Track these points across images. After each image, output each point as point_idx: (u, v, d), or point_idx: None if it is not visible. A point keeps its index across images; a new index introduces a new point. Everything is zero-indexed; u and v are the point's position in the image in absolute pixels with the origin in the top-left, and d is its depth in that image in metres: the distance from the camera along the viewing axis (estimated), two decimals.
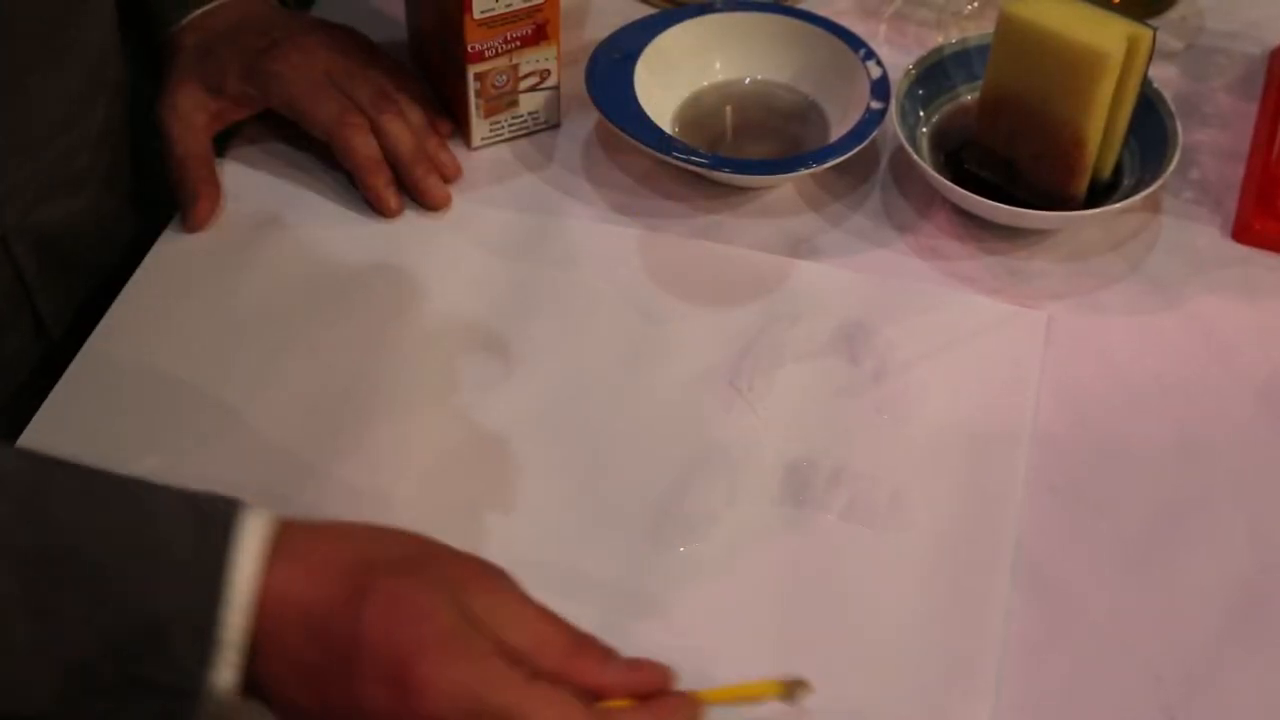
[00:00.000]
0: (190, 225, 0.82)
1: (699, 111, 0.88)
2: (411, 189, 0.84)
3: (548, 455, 0.72)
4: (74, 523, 0.52)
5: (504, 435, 0.73)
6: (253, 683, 0.52)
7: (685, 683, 0.62)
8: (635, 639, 0.64)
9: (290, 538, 0.54)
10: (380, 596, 0.52)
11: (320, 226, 0.83)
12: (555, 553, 0.68)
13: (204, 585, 0.51)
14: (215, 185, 0.83)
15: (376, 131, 0.83)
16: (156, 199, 0.84)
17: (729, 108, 0.89)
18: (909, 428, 0.73)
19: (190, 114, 0.83)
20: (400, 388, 0.75)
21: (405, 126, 0.84)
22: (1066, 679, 0.64)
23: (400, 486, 0.70)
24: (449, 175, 0.85)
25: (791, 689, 0.60)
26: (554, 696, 0.53)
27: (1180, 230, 0.83)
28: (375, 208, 0.83)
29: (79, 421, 0.73)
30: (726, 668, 0.63)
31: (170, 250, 0.82)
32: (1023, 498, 0.70)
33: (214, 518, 0.53)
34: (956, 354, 0.76)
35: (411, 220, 0.83)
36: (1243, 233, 0.83)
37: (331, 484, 0.70)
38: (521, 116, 0.87)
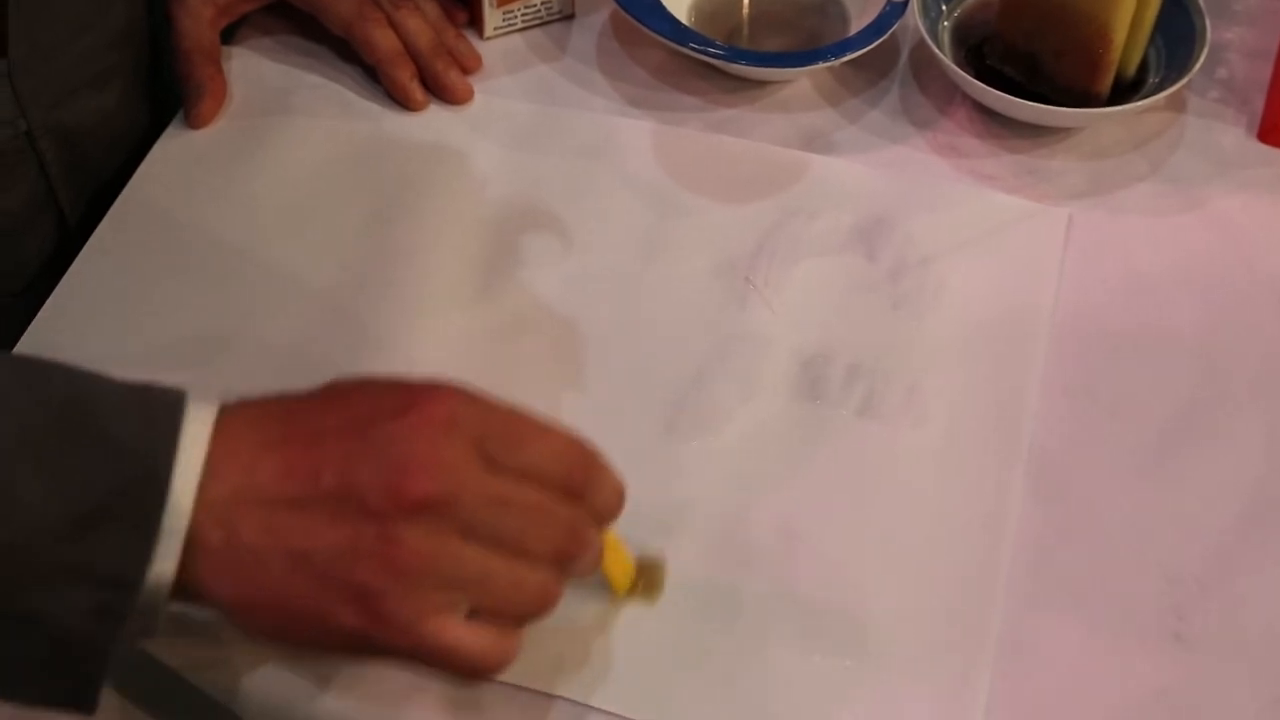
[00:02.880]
0: (194, 122, 0.81)
1: (715, 3, 0.86)
2: (432, 84, 0.83)
3: (559, 348, 0.71)
4: (10, 404, 0.49)
5: (516, 328, 0.72)
6: (193, 582, 0.50)
7: (698, 563, 0.62)
8: (647, 531, 0.64)
9: (236, 418, 0.51)
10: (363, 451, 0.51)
11: (329, 117, 0.82)
12: None
13: (148, 471, 0.49)
14: (221, 82, 0.82)
15: (394, 27, 0.82)
16: (178, 96, 0.83)
17: None
18: (925, 324, 0.72)
19: (198, 7, 0.82)
20: (409, 277, 0.74)
21: (422, 21, 0.83)
22: (1077, 579, 0.64)
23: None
24: (469, 66, 0.84)
25: (646, 580, 0.61)
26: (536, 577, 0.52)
27: (1204, 130, 0.82)
28: (400, 101, 0.82)
29: (87, 310, 0.73)
30: (741, 558, 0.64)
31: (177, 141, 0.81)
32: (1038, 396, 0.70)
33: (158, 405, 0.50)
34: (975, 251, 0.75)
35: (422, 110, 0.83)
36: (1269, 133, 0.81)
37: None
38: (535, 6, 0.86)
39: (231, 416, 0.51)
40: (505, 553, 0.52)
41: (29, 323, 0.72)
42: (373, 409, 0.52)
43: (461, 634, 0.51)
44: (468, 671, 0.52)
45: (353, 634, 0.50)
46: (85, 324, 0.72)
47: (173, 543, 0.49)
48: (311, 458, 0.51)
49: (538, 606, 0.53)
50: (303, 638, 0.52)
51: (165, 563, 0.49)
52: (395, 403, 0.52)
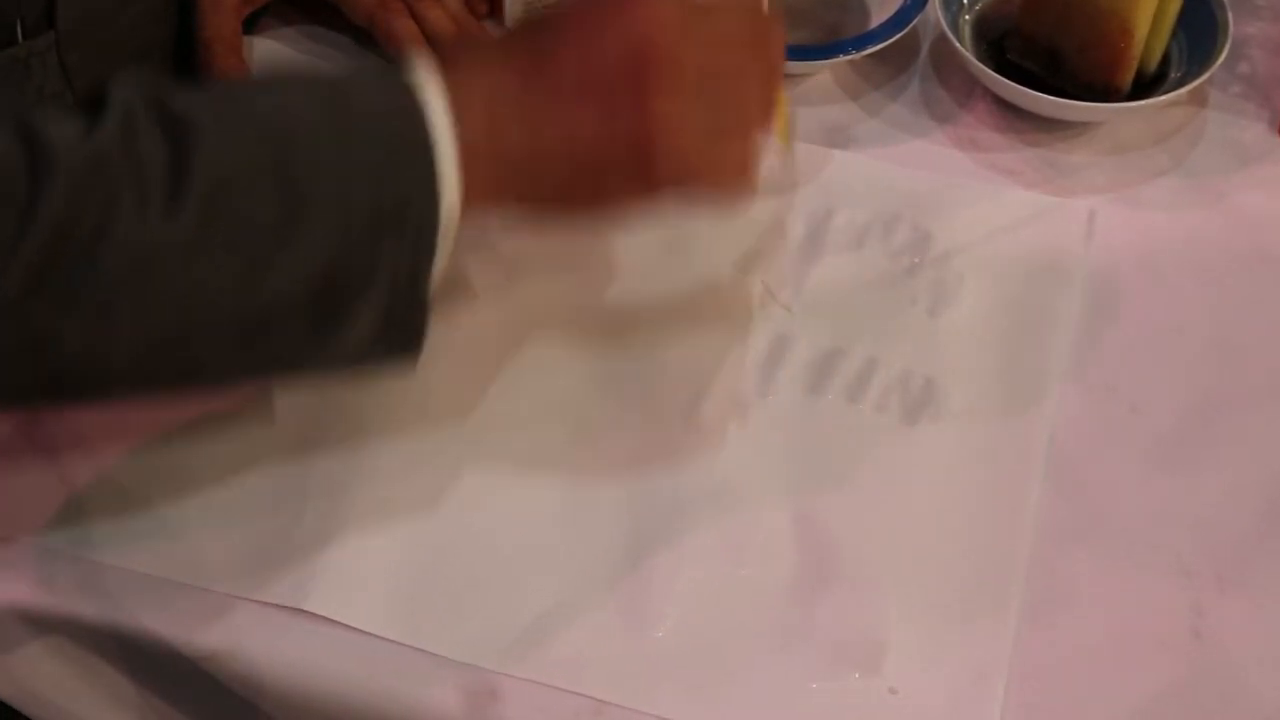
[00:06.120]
0: None
1: None
2: None
3: (575, 343, 0.72)
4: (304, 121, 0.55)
5: (531, 321, 0.72)
6: (483, 202, 0.57)
7: (714, 558, 0.62)
8: (663, 524, 0.65)
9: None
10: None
11: None
12: (584, 442, 0.68)
13: (408, 123, 0.55)
14: (243, 71, 0.82)
15: (415, 18, 0.83)
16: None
17: None
18: (944, 321, 0.72)
19: None
20: None
21: (443, 11, 0.83)
22: (1096, 574, 0.64)
23: (432, 373, 0.70)
24: None
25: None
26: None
27: (1226, 125, 0.81)
28: None
29: None
30: (757, 554, 0.64)
31: None
32: (1058, 391, 0.69)
33: (390, 73, 0.57)
34: (995, 246, 0.75)
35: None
36: None
37: None
38: None
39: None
40: (731, 96, 0.60)
41: None
42: (586, 20, 0.58)
43: (725, 163, 0.60)
44: (736, 189, 0.61)
45: (637, 194, 0.59)
46: None
47: (450, 172, 0.55)
48: (547, 65, 0.57)
49: (765, 125, 0.62)
50: (592, 215, 0.61)
51: (450, 192, 0.55)
52: (603, 13, 0.58)
